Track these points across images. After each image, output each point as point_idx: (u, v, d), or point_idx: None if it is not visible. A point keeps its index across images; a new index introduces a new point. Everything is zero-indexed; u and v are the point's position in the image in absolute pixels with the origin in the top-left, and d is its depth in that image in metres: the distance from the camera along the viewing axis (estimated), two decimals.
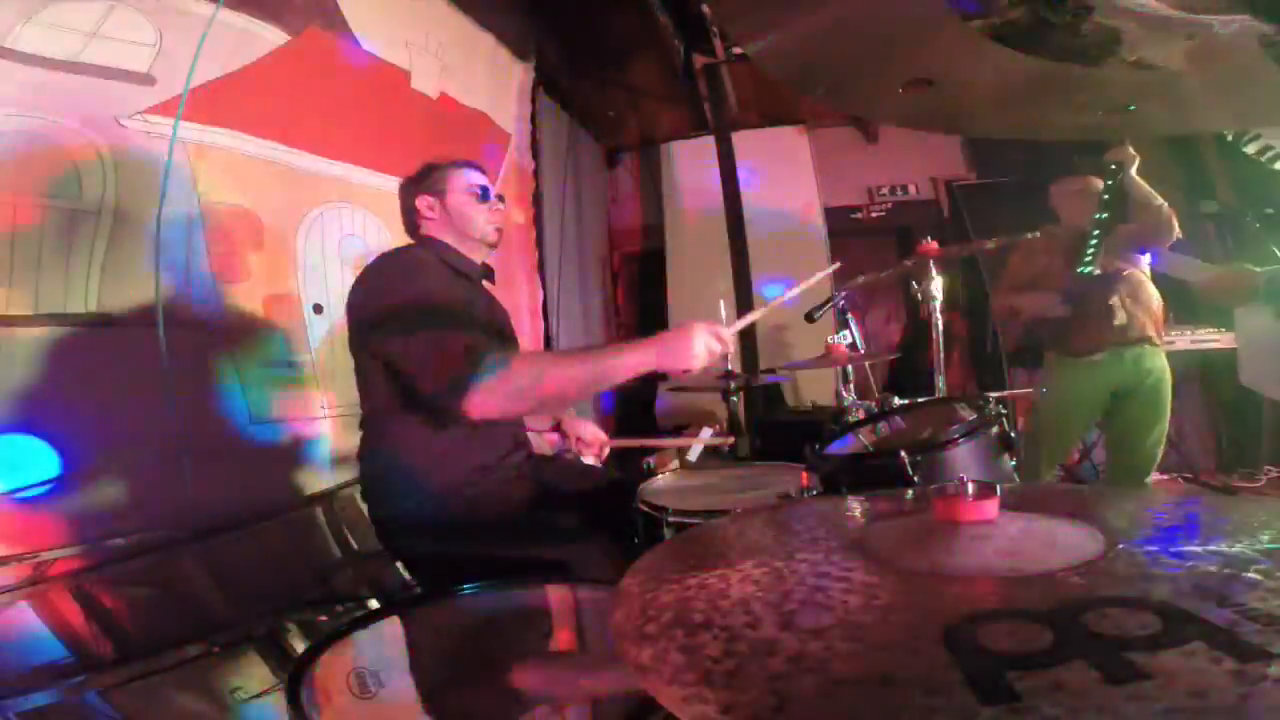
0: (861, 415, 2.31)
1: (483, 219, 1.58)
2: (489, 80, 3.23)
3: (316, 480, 2.09)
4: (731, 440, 2.39)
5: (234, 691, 1.48)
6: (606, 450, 1.74)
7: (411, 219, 1.60)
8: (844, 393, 2.49)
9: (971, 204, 4.55)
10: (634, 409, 4.47)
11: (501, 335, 1.64)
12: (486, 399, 1.21)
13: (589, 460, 1.76)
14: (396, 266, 1.45)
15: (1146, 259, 2.48)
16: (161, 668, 1.44)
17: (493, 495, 1.53)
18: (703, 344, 1.27)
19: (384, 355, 1.36)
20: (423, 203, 1.57)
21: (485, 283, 1.67)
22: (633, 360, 1.27)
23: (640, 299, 5.26)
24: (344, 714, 0.76)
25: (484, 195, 1.58)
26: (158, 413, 1.63)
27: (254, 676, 1.55)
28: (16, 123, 1.45)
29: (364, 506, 1.56)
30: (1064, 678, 0.37)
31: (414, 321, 1.31)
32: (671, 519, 1.29)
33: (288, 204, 2.09)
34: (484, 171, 1.65)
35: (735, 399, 2.48)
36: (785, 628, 0.47)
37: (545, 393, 1.25)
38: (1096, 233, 2.27)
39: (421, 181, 1.59)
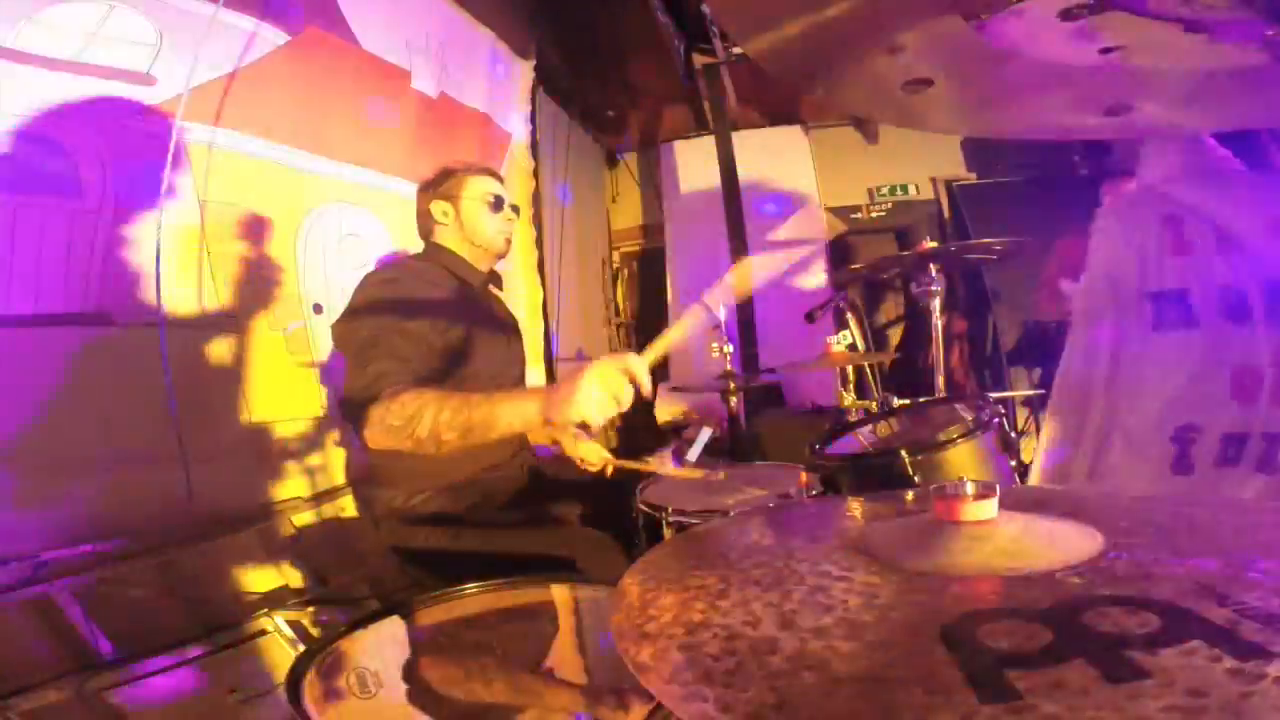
0: (861, 415, 2.31)
1: (493, 228, 1.60)
2: (489, 80, 3.22)
3: (317, 480, 2.09)
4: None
5: (234, 691, 1.48)
6: (610, 469, 1.72)
7: (425, 222, 1.63)
8: (844, 393, 2.49)
9: (971, 204, 4.55)
10: (634, 410, 4.47)
11: (505, 339, 1.65)
12: (373, 430, 1.19)
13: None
14: (381, 278, 1.46)
15: None
16: (161, 668, 1.44)
17: (496, 492, 1.53)
18: (597, 389, 1.07)
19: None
20: (437, 208, 1.60)
21: (493, 288, 1.68)
22: (514, 408, 1.14)
23: (640, 299, 5.26)
24: (344, 714, 0.76)
25: (497, 205, 1.60)
26: (158, 413, 1.63)
27: (254, 676, 1.55)
28: (17, 123, 1.45)
29: (365, 505, 1.56)
30: (1064, 676, 0.37)
31: (359, 339, 1.32)
32: (671, 519, 1.29)
33: (288, 204, 2.09)
34: (500, 180, 1.66)
35: (735, 399, 2.48)
36: (785, 627, 0.47)
37: (419, 433, 1.16)
38: None
39: (437, 186, 1.61)
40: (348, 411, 1.27)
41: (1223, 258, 1.77)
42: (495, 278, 1.68)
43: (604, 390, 1.07)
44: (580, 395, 1.06)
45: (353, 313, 1.39)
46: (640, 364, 1.10)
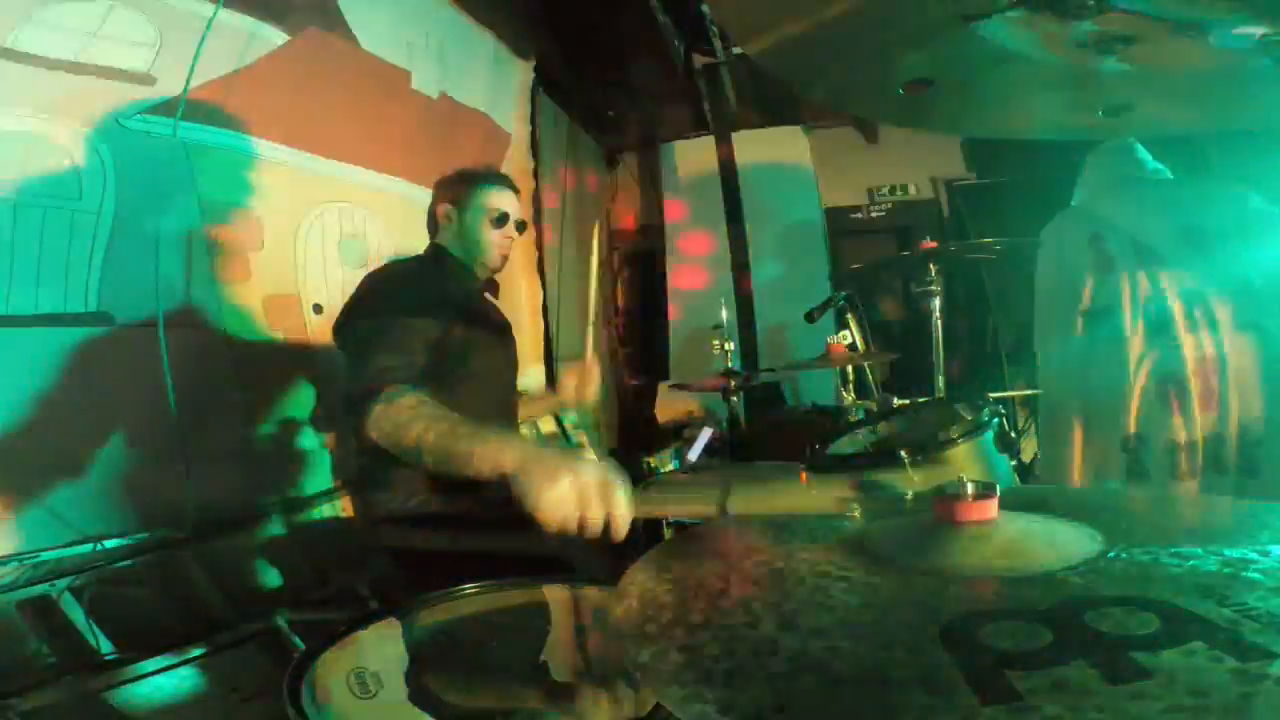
0: (861, 415, 2.31)
1: (490, 242, 1.58)
2: (489, 80, 3.22)
3: (317, 479, 2.09)
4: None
5: (234, 691, 1.48)
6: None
7: (432, 220, 1.64)
8: (844, 393, 2.49)
9: (971, 204, 4.55)
10: (633, 410, 4.47)
11: (501, 343, 1.64)
12: (373, 427, 1.18)
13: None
14: (380, 277, 1.46)
15: None
16: (161, 668, 1.44)
17: (492, 493, 1.53)
18: (569, 491, 0.90)
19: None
20: (442, 210, 1.60)
21: (488, 295, 1.67)
22: (490, 458, 1.04)
23: (640, 299, 5.26)
24: (344, 714, 0.76)
25: (500, 221, 1.58)
26: (158, 413, 1.63)
27: (254, 676, 1.55)
28: (16, 123, 1.45)
29: (362, 506, 1.56)
30: (1064, 677, 0.37)
31: (360, 335, 1.33)
32: (671, 519, 1.28)
33: (288, 204, 2.09)
34: (516, 193, 1.65)
35: (735, 399, 2.48)
36: (785, 627, 0.47)
37: (404, 445, 1.13)
38: None
39: (449, 187, 1.61)
40: (349, 407, 1.26)
41: (1144, 272, 1.84)
42: (491, 285, 1.67)
43: (578, 494, 0.91)
44: (554, 488, 0.91)
45: (352, 310, 1.40)
46: (624, 508, 0.92)
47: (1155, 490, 1.80)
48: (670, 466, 1.79)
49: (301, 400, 2.07)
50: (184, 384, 1.67)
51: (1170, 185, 2.00)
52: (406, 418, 1.15)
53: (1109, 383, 1.88)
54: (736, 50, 3.80)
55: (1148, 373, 1.82)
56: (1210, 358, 1.76)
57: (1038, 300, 2.11)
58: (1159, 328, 1.82)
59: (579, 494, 0.90)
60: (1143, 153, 2.02)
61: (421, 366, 1.28)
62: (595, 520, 0.90)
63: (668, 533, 1.28)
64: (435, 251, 1.61)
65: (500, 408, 1.63)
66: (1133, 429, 1.84)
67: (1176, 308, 1.79)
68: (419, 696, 0.81)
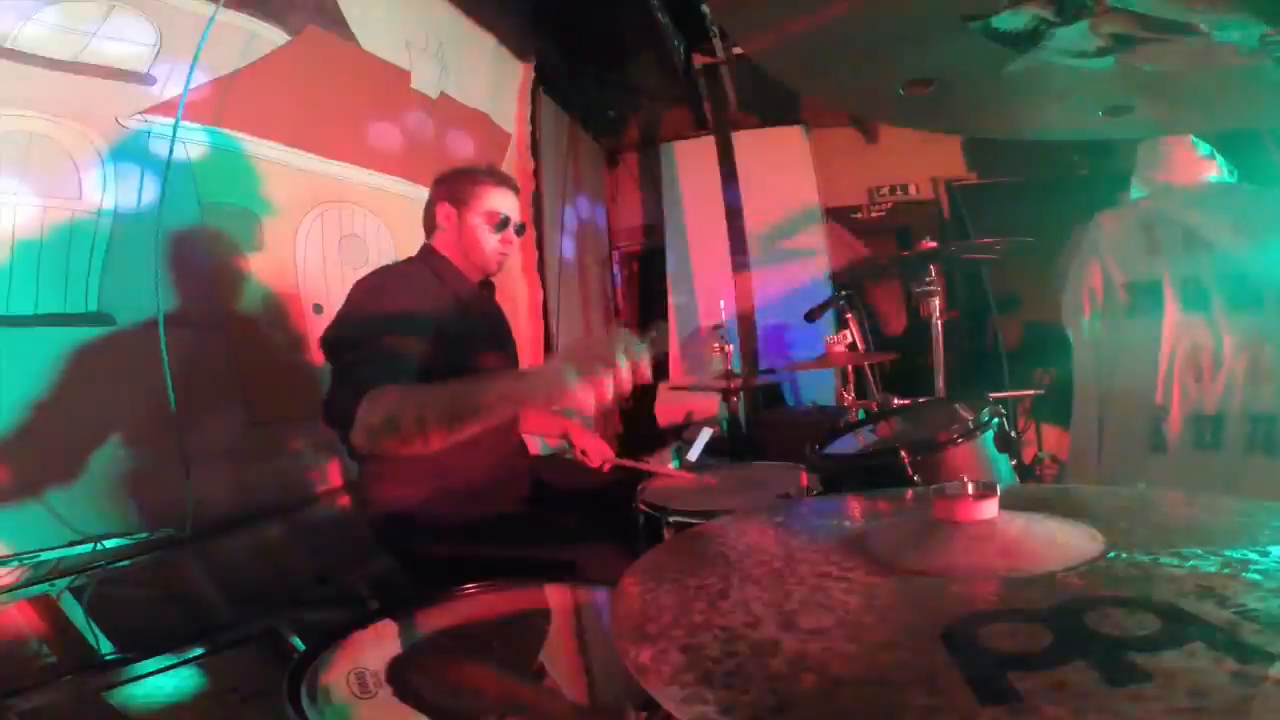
0: (861, 415, 2.32)
1: (490, 248, 1.55)
2: (489, 80, 3.22)
3: (317, 480, 2.09)
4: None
5: (234, 691, 1.48)
6: (609, 465, 1.68)
7: (429, 220, 1.60)
8: (844, 393, 2.49)
9: (971, 204, 4.55)
10: (634, 410, 4.47)
11: (499, 347, 1.64)
12: (359, 432, 1.15)
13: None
14: (368, 285, 1.43)
15: None
16: (161, 668, 1.44)
17: (492, 495, 1.53)
18: (567, 370, 0.96)
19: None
20: (442, 210, 1.56)
21: (486, 297, 1.65)
22: (497, 386, 1.05)
23: (640, 299, 5.26)
24: (344, 714, 0.76)
25: (501, 225, 1.54)
26: (158, 413, 1.63)
27: (254, 676, 1.55)
28: (16, 123, 1.45)
29: (363, 508, 1.56)
30: (1064, 678, 0.37)
31: (344, 344, 1.31)
32: (671, 519, 1.29)
33: (288, 204, 2.09)
34: (517, 192, 1.61)
35: (735, 399, 2.48)
36: (785, 628, 0.47)
37: (404, 428, 1.09)
38: None
39: (449, 186, 1.57)
40: (333, 417, 1.22)
41: (1189, 255, 1.95)
42: (487, 287, 1.64)
43: (580, 368, 0.95)
44: (560, 374, 0.95)
45: (339, 321, 1.37)
46: (629, 356, 0.96)
47: (1175, 463, 1.90)
48: (671, 466, 1.79)
49: (300, 400, 2.07)
50: (184, 384, 1.66)
51: (1228, 188, 2.06)
52: (396, 404, 1.12)
53: (1143, 354, 1.98)
54: (736, 50, 3.80)
55: (1178, 343, 1.93)
56: (1255, 330, 1.82)
57: (1073, 286, 2.18)
58: (1195, 304, 1.90)
59: (577, 367, 0.92)
60: (1203, 149, 2.04)
61: (407, 369, 1.25)
62: (603, 381, 0.91)
63: (668, 534, 1.28)
64: (426, 253, 1.58)
65: None
66: (1158, 398, 1.94)
67: (1216, 288, 1.87)
68: (418, 696, 0.81)
